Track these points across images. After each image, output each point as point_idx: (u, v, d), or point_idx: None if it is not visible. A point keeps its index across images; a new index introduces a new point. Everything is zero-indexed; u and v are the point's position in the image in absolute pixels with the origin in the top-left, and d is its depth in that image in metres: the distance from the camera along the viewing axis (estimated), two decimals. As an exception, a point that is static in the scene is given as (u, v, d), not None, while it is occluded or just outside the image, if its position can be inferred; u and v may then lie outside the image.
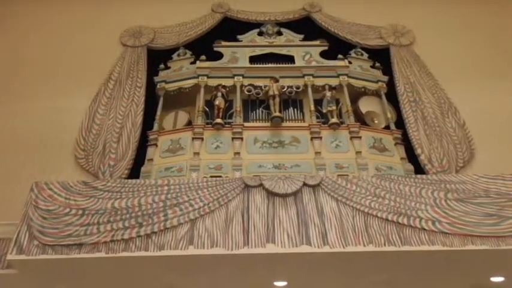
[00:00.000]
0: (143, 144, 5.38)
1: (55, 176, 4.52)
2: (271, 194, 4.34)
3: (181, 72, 6.13)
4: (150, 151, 5.31)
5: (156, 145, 5.39)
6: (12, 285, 4.34)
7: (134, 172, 5.05)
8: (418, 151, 5.32)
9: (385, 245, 4.02)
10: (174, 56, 6.38)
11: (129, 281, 4.48)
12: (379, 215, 4.19)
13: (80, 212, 4.14)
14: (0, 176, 4.91)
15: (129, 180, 4.48)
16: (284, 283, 4.55)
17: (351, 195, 4.32)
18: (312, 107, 5.71)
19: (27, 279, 4.22)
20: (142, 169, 5.09)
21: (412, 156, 5.36)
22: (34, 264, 3.95)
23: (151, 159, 5.21)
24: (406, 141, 5.52)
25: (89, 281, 4.45)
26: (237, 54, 6.32)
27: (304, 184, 4.40)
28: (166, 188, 4.34)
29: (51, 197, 4.24)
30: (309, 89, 5.93)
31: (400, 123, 5.73)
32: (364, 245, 4.02)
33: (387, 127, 5.72)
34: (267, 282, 4.54)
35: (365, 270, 4.41)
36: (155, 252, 3.96)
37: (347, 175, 4.65)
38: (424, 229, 4.11)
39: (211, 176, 4.83)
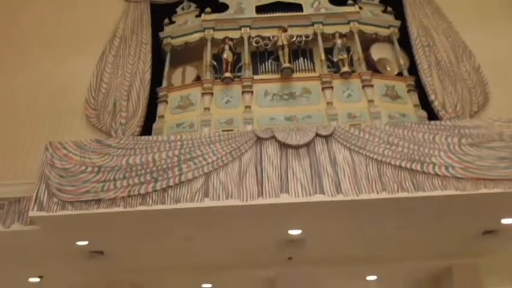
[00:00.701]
0: (153, 101, 5.36)
1: (68, 136, 4.55)
2: (283, 146, 4.34)
3: (186, 27, 5.99)
4: (161, 108, 5.30)
5: (166, 102, 5.37)
6: (34, 241, 4.51)
7: (146, 129, 5.06)
8: (432, 97, 5.22)
9: (398, 191, 4.05)
10: (179, 10, 6.20)
11: (147, 234, 4.61)
12: (392, 162, 4.19)
13: (96, 169, 4.21)
14: (15, 140, 4.96)
15: (142, 137, 4.51)
16: (299, 231, 4.65)
17: (364, 144, 4.30)
18: (323, 56, 5.58)
19: (49, 235, 4.37)
20: (154, 126, 5.10)
21: (425, 103, 5.28)
22: (55, 220, 4.08)
23: (162, 116, 5.21)
24: (419, 88, 5.41)
25: (107, 235, 4.60)
26: (242, 5, 6.11)
27: (317, 135, 4.38)
28: (179, 143, 4.36)
29: (67, 156, 4.30)
30: (319, 38, 5.76)
31: (413, 69, 5.59)
32: (378, 192, 4.05)
33: (400, 74, 5.59)
34: (282, 231, 4.64)
35: (378, 217, 4.47)
36: (171, 205, 4.05)
37: (359, 124, 4.60)
38: (437, 175, 4.11)
39: (223, 131, 4.83)
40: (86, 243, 4.69)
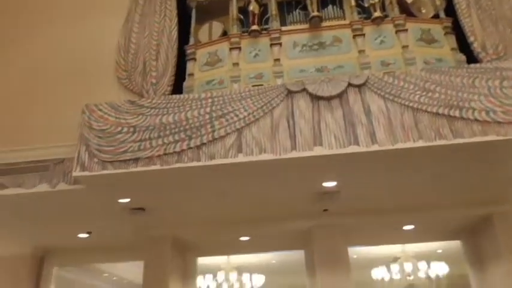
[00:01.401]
0: (182, 59, 5.33)
1: (103, 97, 4.63)
2: (315, 98, 4.27)
3: (211, -20, 5.81)
4: (190, 66, 5.27)
5: (194, 59, 5.32)
6: (80, 199, 4.75)
7: (176, 88, 5.08)
8: (471, 39, 4.93)
9: (435, 139, 3.94)
10: (202, -37, 6.00)
11: (184, 191, 4.76)
12: (429, 109, 4.05)
13: (131, 129, 4.31)
14: (53, 104, 5.09)
15: (173, 96, 4.53)
16: (333, 183, 4.67)
17: (399, 92, 4.17)
18: (353, 2, 5.30)
19: (93, 193, 4.58)
20: (184, 84, 5.10)
21: (464, 46, 4.99)
22: (96, 179, 4.26)
23: (192, 74, 5.19)
24: (457, 30, 5.11)
25: (147, 193, 4.78)
26: (267, -46, 5.83)
27: (349, 85, 4.27)
28: (210, 100, 4.37)
29: (102, 117, 4.41)
30: (348, -18, 5.48)
31: (450, 10, 5.25)
32: (414, 141, 3.96)
33: (436, 16, 5.27)
34: (316, 184, 4.67)
35: (415, 166, 4.41)
36: (206, 162, 4.12)
37: (393, 72, 4.43)
38: (477, 120, 3.96)
39: (253, 86, 4.78)
40: (127, 200, 4.90)
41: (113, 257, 7.27)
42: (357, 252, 7.79)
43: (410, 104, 4.10)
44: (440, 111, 4.02)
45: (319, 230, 5.88)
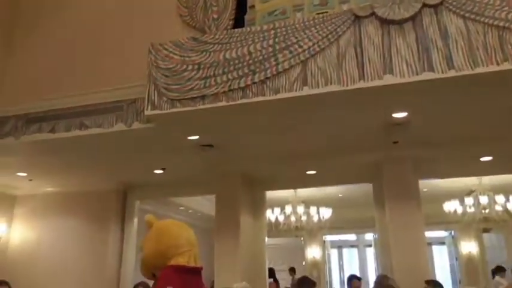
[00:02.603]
0: (242, -9, 5.15)
1: (167, 36, 4.67)
2: (385, 22, 3.95)
3: None
4: (250, -3, 5.09)
5: (254, -10, 5.12)
6: (153, 138, 5.00)
7: (238, 22, 4.96)
8: None
9: (524, 61, 3.53)
10: None
11: (250, 126, 4.81)
12: (517, 27, 3.60)
13: (196, 67, 4.34)
14: (119, 45, 5.23)
15: (235, 30, 4.45)
16: (404, 114, 4.45)
17: (482, 10, 3.72)
18: None
19: (164, 131, 4.79)
20: (246, 17, 4.96)
21: None
22: (166, 117, 4.42)
23: (253, 6, 5.01)
24: None
25: (215, 130, 4.90)
26: None
27: (424, 5, 3.88)
28: (272, 32, 4.23)
29: (168, 56, 4.48)
30: None
31: None
32: (498, 64, 3.58)
33: None
34: (386, 115, 4.48)
35: (495, 93, 4.04)
36: (272, 96, 4.07)
37: (476, -13, 3.94)
38: None
39: (317, 14, 4.53)
40: (196, 137, 5.07)
41: (186, 191, 7.76)
42: (428, 185, 7.57)
43: (495, 23, 3.65)
44: (532, 28, 3.56)
45: (389, 163, 5.74)
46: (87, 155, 5.77)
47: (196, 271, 2.56)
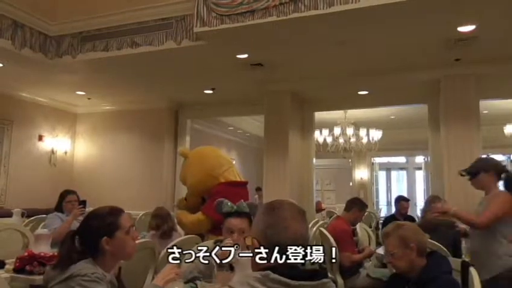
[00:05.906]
0: None
1: None
2: None
3: None
4: None
5: None
6: (203, 56, 4.97)
7: None
8: None
9: None
10: None
11: (301, 43, 4.63)
12: None
13: (245, -21, 4.13)
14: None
15: None
16: (471, 27, 4.08)
17: None
18: None
19: (213, 49, 4.73)
20: None
21: None
22: (216, 34, 4.33)
23: None
24: None
25: (264, 48, 4.76)
26: None
27: None
28: None
29: (216, -32, 4.27)
30: None
31: None
32: None
33: None
34: (450, 28, 4.13)
35: None
36: (325, 9, 3.84)
37: None
38: None
39: None
40: (245, 56, 4.98)
41: (235, 111, 7.85)
42: (489, 107, 7.16)
43: None
44: None
45: (449, 81, 5.39)
46: (140, 74, 5.89)
47: (244, 184, 2.97)
